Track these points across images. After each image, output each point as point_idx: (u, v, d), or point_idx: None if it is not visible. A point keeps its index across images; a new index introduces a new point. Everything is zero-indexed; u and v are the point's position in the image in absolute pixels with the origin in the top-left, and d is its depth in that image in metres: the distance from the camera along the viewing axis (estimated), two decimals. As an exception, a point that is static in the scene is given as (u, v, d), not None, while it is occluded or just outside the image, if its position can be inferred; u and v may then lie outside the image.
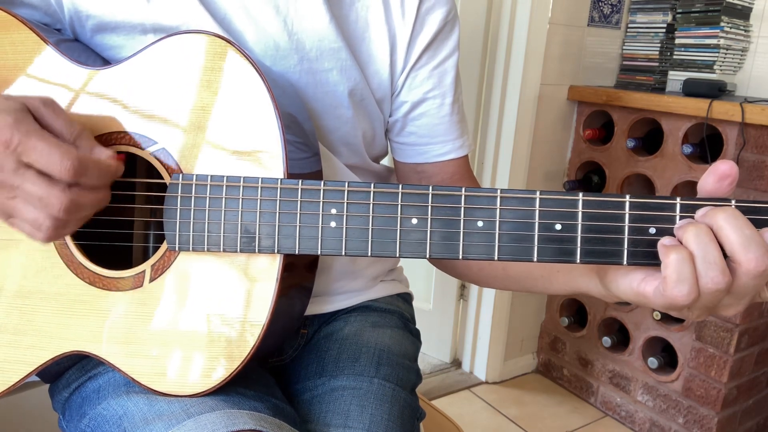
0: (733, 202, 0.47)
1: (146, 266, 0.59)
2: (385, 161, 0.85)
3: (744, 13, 1.80)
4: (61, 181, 0.49)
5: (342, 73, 0.68)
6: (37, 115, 0.51)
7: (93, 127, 0.58)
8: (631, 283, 0.51)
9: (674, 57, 1.86)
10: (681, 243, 0.46)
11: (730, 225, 0.44)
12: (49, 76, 0.59)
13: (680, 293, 0.45)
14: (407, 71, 0.73)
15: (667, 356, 1.80)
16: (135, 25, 0.63)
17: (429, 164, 0.77)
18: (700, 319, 0.52)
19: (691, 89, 1.70)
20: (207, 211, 0.56)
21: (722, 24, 1.75)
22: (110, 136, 0.59)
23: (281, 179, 0.55)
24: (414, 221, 0.52)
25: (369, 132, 0.75)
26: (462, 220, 0.51)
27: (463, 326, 2.16)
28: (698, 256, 0.45)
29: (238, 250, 0.56)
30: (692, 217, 0.48)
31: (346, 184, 0.53)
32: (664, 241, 0.47)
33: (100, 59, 0.65)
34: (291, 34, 0.66)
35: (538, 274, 0.64)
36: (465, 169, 0.79)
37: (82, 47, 0.65)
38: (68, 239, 0.59)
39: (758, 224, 0.47)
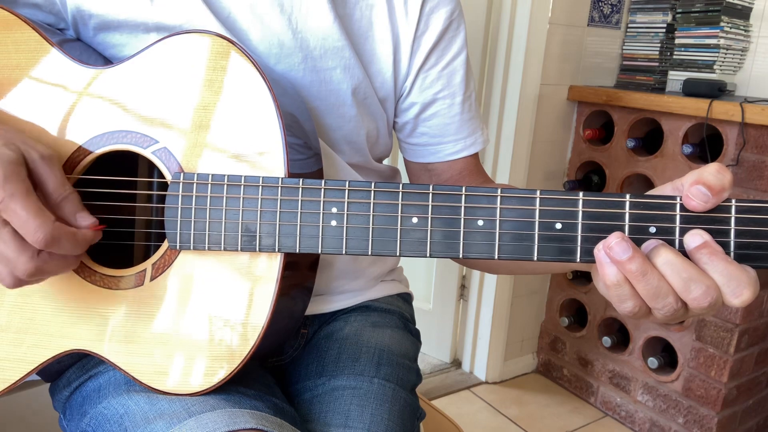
0: (733, 201, 0.47)
1: (147, 265, 0.59)
2: (388, 161, 0.85)
3: (744, 13, 1.80)
4: (32, 247, 0.50)
5: (345, 71, 0.68)
6: (32, 168, 0.51)
7: (94, 126, 0.59)
8: None
9: (674, 57, 1.86)
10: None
11: (670, 270, 0.46)
12: (52, 75, 0.59)
13: (626, 310, 0.48)
14: (415, 72, 0.73)
15: (667, 356, 1.80)
16: (138, 24, 0.63)
17: (440, 162, 0.78)
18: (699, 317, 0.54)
19: (691, 89, 1.70)
20: (208, 210, 0.56)
21: (722, 24, 1.75)
22: (111, 135, 0.59)
23: (282, 178, 0.55)
24: (414, 220, 0.52)
25: (373, 131, 0.75)
26: (462, 219, 0.51)
27: (463, 326, 2.16)
28: (649, 296, 0.47)
29: (239, 248, 0.56)
30: (692, 217, 0.48)
31: (347, 183, 0.53)
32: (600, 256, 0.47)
33: (102, 59, 0.66)
34: (295, 33, 0.66)
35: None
36: (475, 165, 0.80)
37: (84, 47, 0.65)
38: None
39: (759, 224, 0.47)
